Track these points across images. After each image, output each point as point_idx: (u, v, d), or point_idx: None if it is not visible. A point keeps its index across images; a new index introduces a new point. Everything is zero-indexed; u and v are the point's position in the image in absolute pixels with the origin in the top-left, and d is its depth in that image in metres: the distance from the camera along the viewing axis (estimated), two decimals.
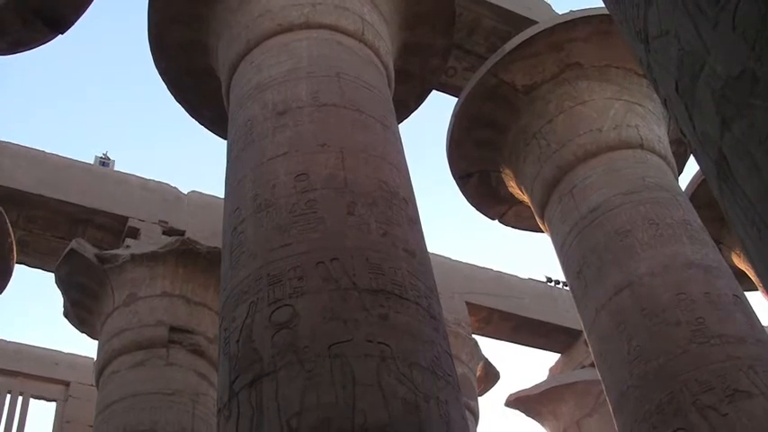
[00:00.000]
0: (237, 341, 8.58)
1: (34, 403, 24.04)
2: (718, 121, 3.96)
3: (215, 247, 15.85)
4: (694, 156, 4.66)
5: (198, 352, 16.12)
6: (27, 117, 59.39)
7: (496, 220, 18.06)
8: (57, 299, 22.15)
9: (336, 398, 7.60)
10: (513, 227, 18.27)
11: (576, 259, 14.07)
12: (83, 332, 18.07)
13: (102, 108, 65.00)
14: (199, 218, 18.69)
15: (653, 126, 15.15)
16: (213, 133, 15.75)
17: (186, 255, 16.93)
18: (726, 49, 3.86)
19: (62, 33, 15.14)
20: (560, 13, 16.64)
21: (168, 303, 16.48)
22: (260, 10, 12.77)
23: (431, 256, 10.34)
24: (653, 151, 14.77)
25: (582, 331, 14.86)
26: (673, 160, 15.23)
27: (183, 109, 15.65)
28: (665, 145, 15.19)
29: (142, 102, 65.88)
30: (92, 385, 18.66)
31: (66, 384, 24.03)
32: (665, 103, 4.86)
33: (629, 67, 15.20)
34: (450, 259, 22.49)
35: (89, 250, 16.91)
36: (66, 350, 25.16)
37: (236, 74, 12.59)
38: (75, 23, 15.05)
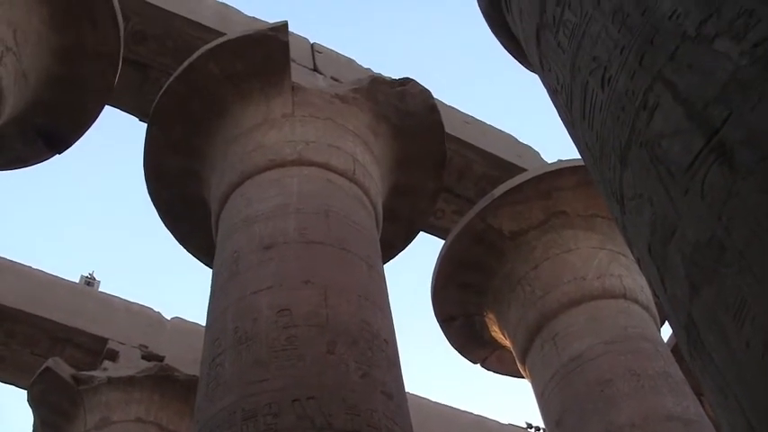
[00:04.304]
0: None
1: None
2: (688, 286, 4.03)
3: (194, 376, 15.68)
4: (667, 318, 4.72)
5: None
6: (15, 231, 59.52)
7: (479, 365, 17.96)
8: (26, 418, 21.66)
9: None
10: (494, 372, 18.15)
11: (556, 407, 13.95)
12: None
13: (93, 228, 65.22)
14: (180, 344, 18.48)
15: (636, 276, 15.26)
16: (200, 262, 15.79)
17: (164, 381, 16.72)
18: (695, 216, 3.96)
19: (60, 153, 15.34)
20: (549, 162, 17.00)
21: (141, 430, 16.16)
22: (254, 144, 13.02)
23: (410, 397, 10.27)
24: (635, 301, 14.85)
25: None
26: (655, 310, 15.29)
27: (172, 235, 15.74)
28: (647, 295, 15.27)
29: (133, 225, 66.24)
30: None
31: None
32: (638, 262, 4.95)
33: (613, 218, 15.38)
34: (429, 401, 22.20)
35: (65, 370, 16.68)
36: None
37: (226, 204, 12.73)
38: (73, 144, 15.28)
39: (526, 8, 6.47)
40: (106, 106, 14.64)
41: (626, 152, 4.65)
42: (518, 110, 68.87)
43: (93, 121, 14.56)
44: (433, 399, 22.53)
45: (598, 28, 5.09)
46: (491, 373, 18.22)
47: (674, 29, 4.35)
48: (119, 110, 15.78)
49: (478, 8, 8.80)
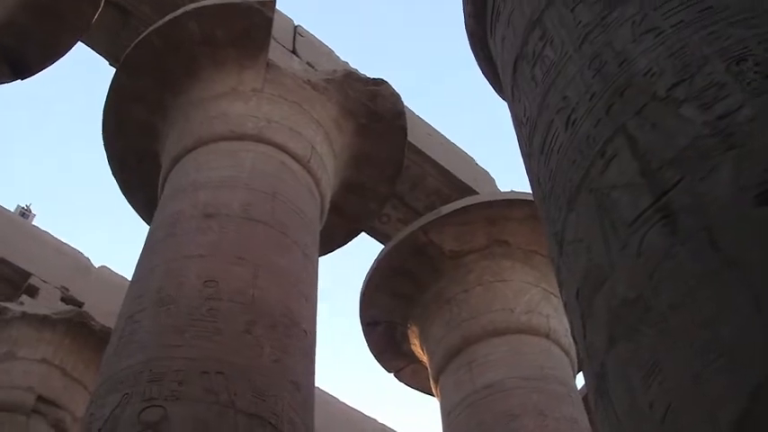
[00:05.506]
0: (99, 430, 8.31)
1: None
2: (606, 338, 4.08)
3: (110, 328, 15.47)
4: (582, 364, 4.77)
5: (60, 428, 15.44)
6: None
7: (392, 374, 17.99)
8: None
9: None
10: (406, 384, 18.18)
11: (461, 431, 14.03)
12: None
13: (39, 160, 64.25)
14: (102, 294, 18.17)
15: (563, 318, 15.36)
16: (141, 217, 15.60)
17: (78, 327, 16.44)
18: (628, 272, 4.01)
19: (22, 80, 15.08)
20: (502, 190, 17.12)
21: (45, 371, 15.88)
22: (218, 112, 12.91)
23: (320, 393, 10.26)
24: (557, 343, 14.98)
25: None
26: (575, 356, 15.40)
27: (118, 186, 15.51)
28: (570, 339, 15.40)
29: (82, 167, 65.33)
30: None
31: None
32: (565, 305, 5.00)
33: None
34: (337, 400, 22.19)
35: None
36: None
37: (177, 165, 12.58)
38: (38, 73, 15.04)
39: (509, 36, 6.52)
40: (78, 42, 14.44)
41: (575, 195, 4.70)
42: (484, 133, 69.27)
43: (63, 54, 14.35)
44: (342, 398, 22.56)
45: (574, 70, 5.14)
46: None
47: (645, 86, 4.41)
48: (91, 49, 15.56)
49: (464, 27, 8.85)
